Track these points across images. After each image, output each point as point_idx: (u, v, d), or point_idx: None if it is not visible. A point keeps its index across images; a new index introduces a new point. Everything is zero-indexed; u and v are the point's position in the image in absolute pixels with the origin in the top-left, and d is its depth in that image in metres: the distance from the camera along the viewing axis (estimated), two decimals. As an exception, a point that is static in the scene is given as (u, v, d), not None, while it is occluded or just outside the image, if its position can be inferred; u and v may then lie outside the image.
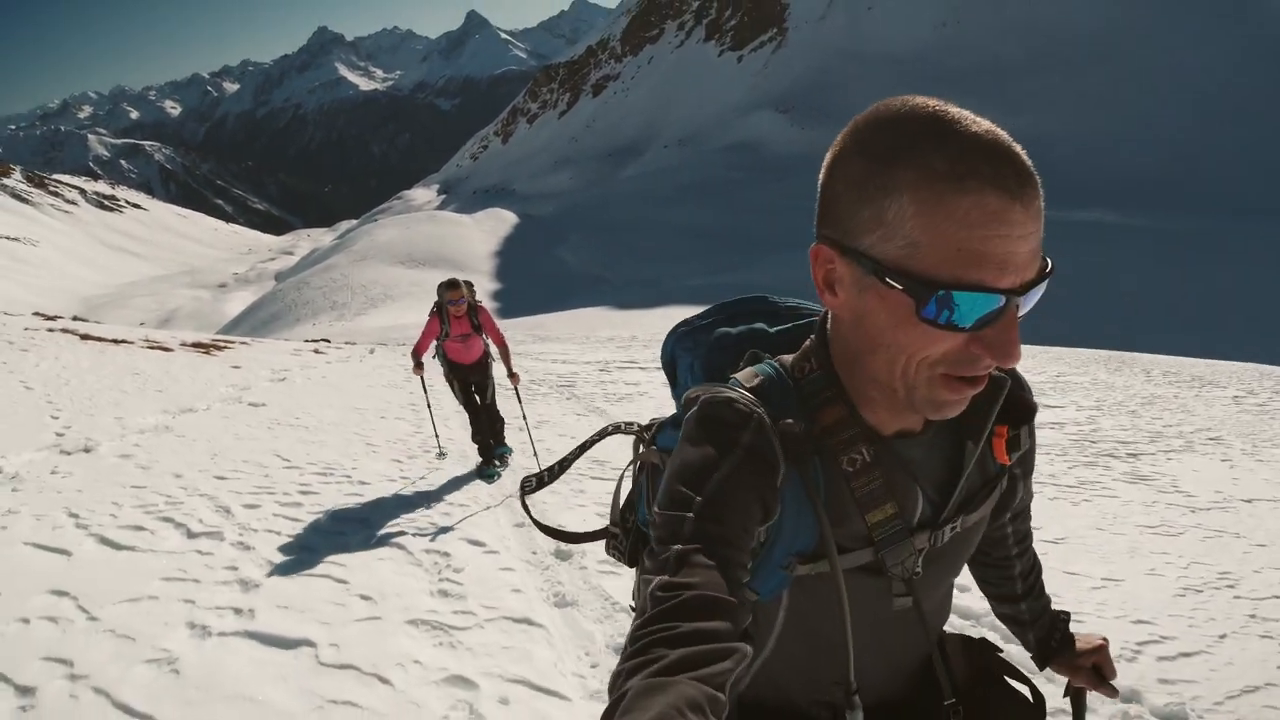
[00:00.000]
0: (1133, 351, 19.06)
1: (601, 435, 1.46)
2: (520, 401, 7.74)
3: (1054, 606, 1.43)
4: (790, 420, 0.95)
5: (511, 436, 7.48)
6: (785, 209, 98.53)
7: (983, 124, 0.83)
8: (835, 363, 1.00)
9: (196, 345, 15.80)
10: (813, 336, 1.04)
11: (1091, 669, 1.36)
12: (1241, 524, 5.89)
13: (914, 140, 0.82)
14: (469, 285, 6.86)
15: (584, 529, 1.48)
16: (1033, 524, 1.25)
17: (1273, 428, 9.45)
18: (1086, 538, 5.58)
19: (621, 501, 1.37)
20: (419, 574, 4.35)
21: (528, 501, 1.38)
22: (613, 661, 3.41)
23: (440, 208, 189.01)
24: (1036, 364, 14.95)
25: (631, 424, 1.39)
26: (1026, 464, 1.22)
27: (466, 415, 7.08)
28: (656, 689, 0.69)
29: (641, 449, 1.28)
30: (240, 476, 6.11)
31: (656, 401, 10.82)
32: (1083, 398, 11.21)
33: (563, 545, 5.59)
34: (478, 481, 6.53)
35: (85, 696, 2.93)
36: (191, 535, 4.71)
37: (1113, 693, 1.35)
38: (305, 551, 4.59)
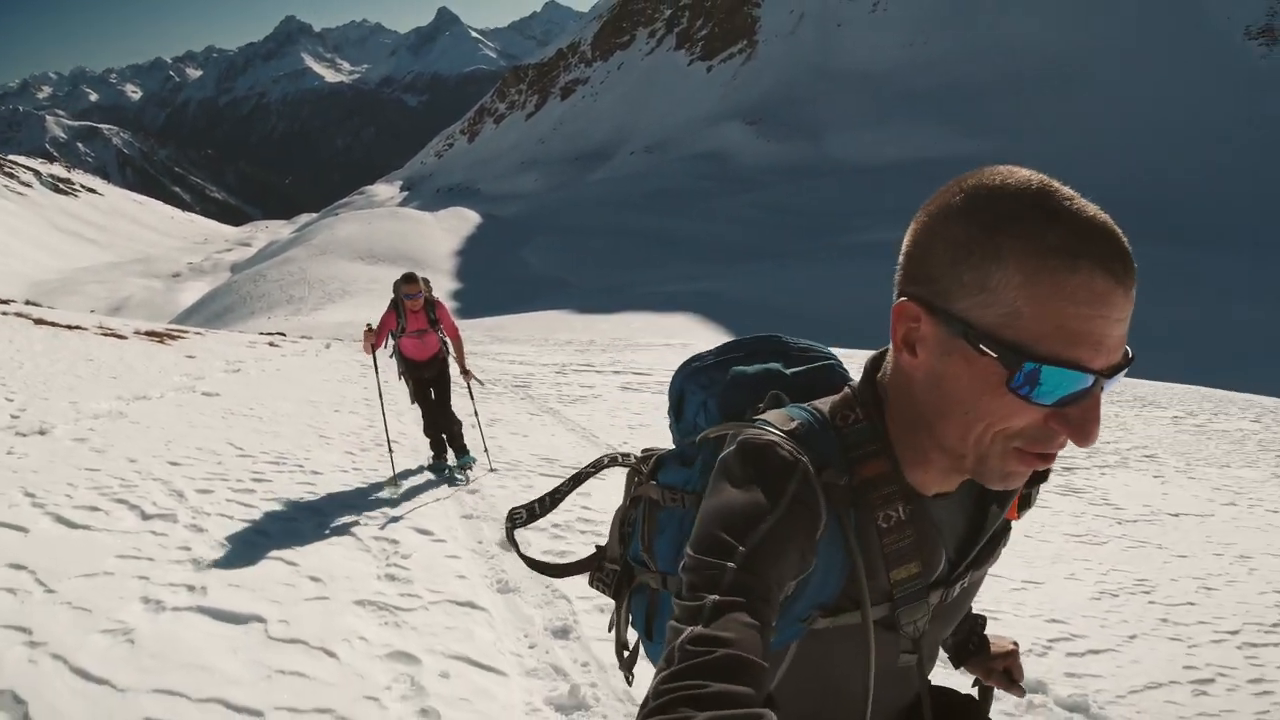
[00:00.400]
0: None
1: (597, 467, 1.42)
2: (473, 398, 7.56)
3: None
4: (833, 471, 0.95)
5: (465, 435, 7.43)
6: (750, 220, 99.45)
7: (1092, 207, 0.84)
8: (889, 418, 0.99)
9: (150, 334, 15.74)
10: (854, 385, 1.04)
11: (1003, 671, 1.38)
12: (1166, 536, 6.25)
13: (1027, 212, 0.83)
14: (426, 282, 6.80)
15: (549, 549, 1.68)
16: None
17: (1207, 448, 9.91)
18: (1014, 544, 5.89)
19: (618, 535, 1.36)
20: (367, 559, 4.54)
21: (516, 536, 1.39)
22: (550, 643, 3.62)
23: (403, 204, 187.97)
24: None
25: (628, 456, 1.37)
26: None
27: (420, 411, 7.01)
28: None
29: (638, 482, 1.28)
30: (194, 463, 6.23)
31: (610, 405, 11.05)
32: None
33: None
34: (428, 474, 6.70)
35: (44, 662, 3.08)
36: (146, 517, 4.84)
37: (1020, 693, 1.39)
38: (257, 535, 4.75)
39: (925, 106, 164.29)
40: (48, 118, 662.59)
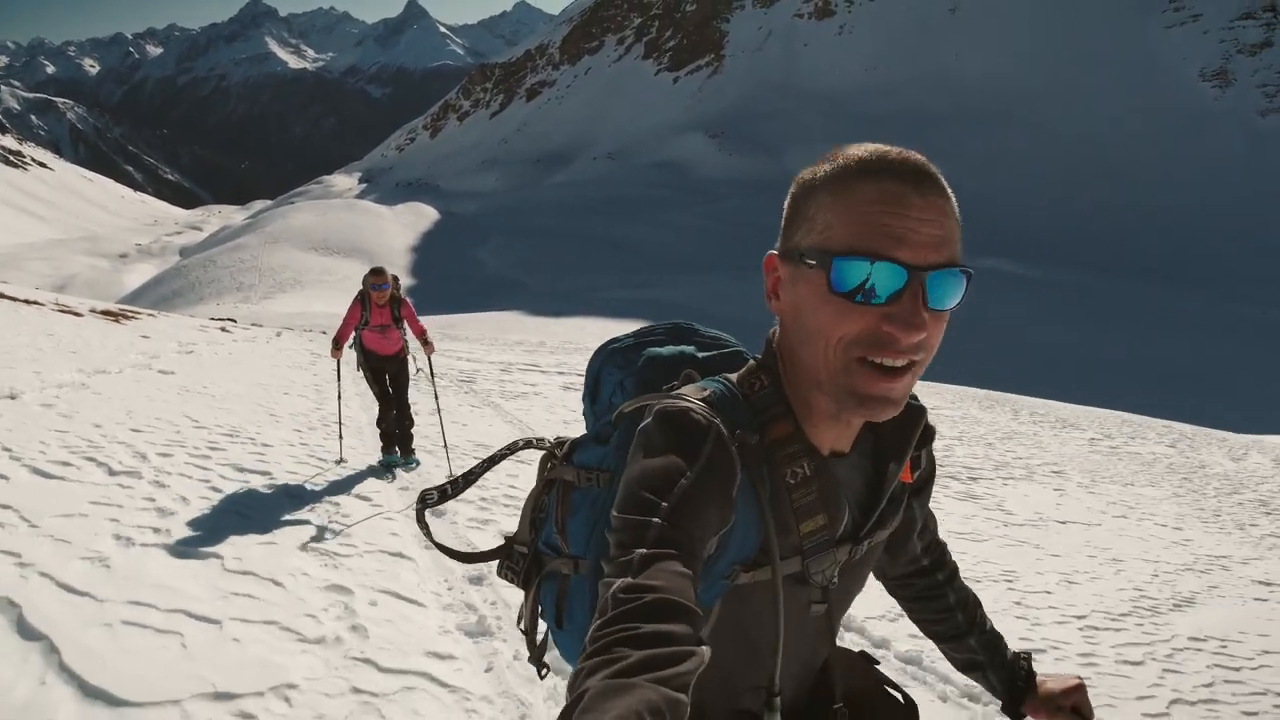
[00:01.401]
0: (1009, 392, 20.31)
1: (511, 449, 1.46)
2: (433, 379, 7.62)
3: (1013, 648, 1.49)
4: (744, 431, 1.02)
5: (421, 430, 7.64)
6: (707, 231, 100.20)
7: (898, 151, 0.96)
8: (785, 381, 1.07)
9: (106, 313, 16.05)
10: (758, 356, 1.13)
11: (1070, 710, 1.37)
12: (1047, 539, 6.87)
13: (835, 157, 0.98)
14: (395, 279, 6.86)
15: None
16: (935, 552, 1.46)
17: (1115, 467, 10.57)
18: None
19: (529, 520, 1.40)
20: (311, 516, 5.18)
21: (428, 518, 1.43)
22: (467, 586, 4.28)
23: (360, 196, 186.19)
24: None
25: (543, 440, 1.41)
26: (927, 486, 1.34)
27: (378, 404, 7.06)
28: (617, 690, 0.69)
29: (552, 466, 1.32)
30: (154, 431, 6.78)
31: (549, 401, 11.58)
32: (948, 429, 12.25)
33: (411, 468, 6.40)
34: (372, 451, 7.25)
35: (33, 579, 3.69)
36: (113, 473, 5.42)
37: None
38: (213, 492, 5.36)
39: (883, 130, 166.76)
40: (2, 88, 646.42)
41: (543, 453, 1.35)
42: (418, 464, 7.08)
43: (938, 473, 9.22)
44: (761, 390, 1.07)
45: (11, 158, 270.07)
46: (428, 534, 1.42)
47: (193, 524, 4.70)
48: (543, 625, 1.37)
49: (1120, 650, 4.58)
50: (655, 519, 0.88)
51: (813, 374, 1.00)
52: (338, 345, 6.89)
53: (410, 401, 7.18)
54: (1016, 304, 55.27)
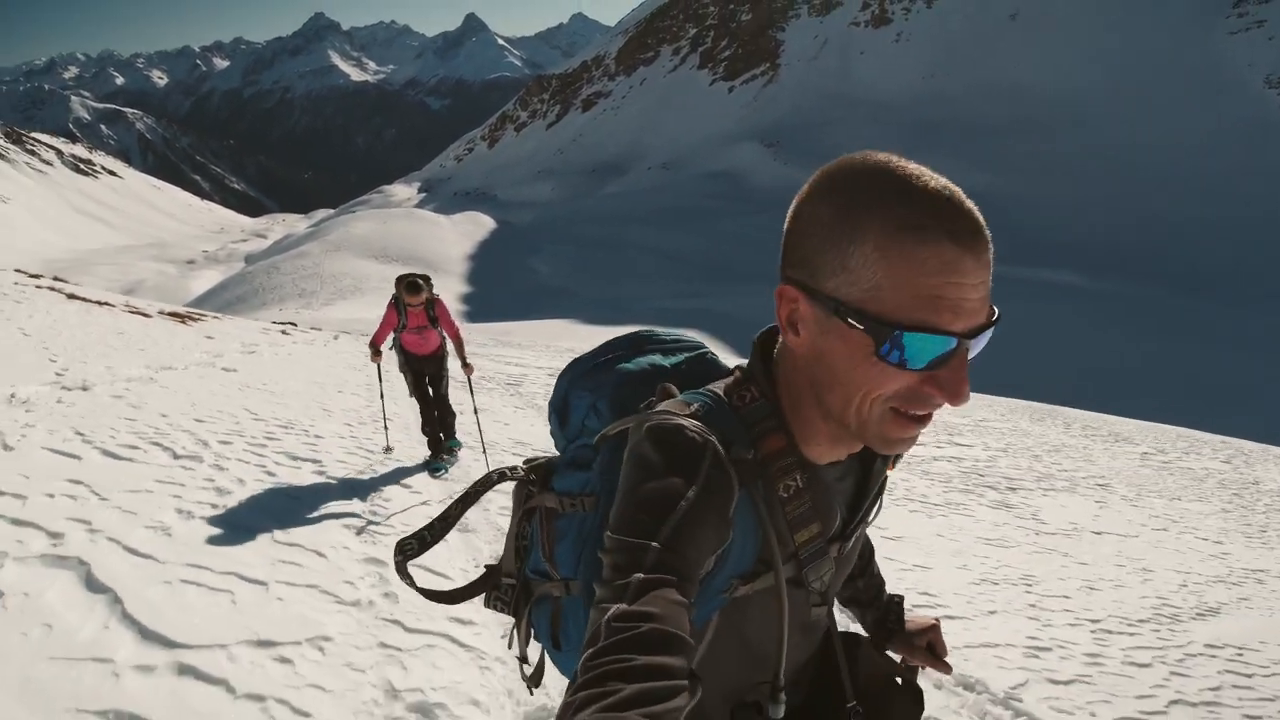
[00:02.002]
0: (1062, 405, 20.01)
1: (485, 485, 1.42)
2: (472, 393, 7.95)
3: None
4: (740, 448, 1.00)
5: (461, 427, 7.87)
6: (760, 241, 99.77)
7: (939, 180, 0.90)
8: (780, 395, 1.05)
9: (173, 315, 16.81)
10: (743, 367, 1.12)
11: (926, 647, 1.45)
12: (1076, 547, 6.86)
13: (879, 190, 0.89)
14: (427, 280, 6.92)
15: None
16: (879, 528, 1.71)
17: (1164, 482, 10.43)
18: (923, 540, 6.62)
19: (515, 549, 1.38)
20: (356, 499, 5.57)
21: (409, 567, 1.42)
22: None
23: (419, 205, 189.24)
24: (962, 409, 16.19)
25: (515, 469, 1.38)
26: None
27: (419, 406, 7.18)
28: None
29: (531, 495, 1.30)
30: (215, 421, 7.24)
31: None
32: (995, 440, 12.18)
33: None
34: (417, 444, 7.60)
35: (101, 542, 4.08)
36: (177, 457, 5.86)
37: (947, 669, 1.44)
38: (268, 476, 5.77)
39: (939, 139, 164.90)
40: (73, 98, 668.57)
41: (516, 483, 1.36)
42: (459, 444, 7.31)
43: (977, 483, 9.31)
44: (753, 403, 1.05)
45: (82, 166, 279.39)
46: (410, 583, 1.41)
47: (247, 502, 5.10)
48: (537, 648, 1.38)
49: (1129, 653, 4.62)
50: (653, 543, 0.87)
51: (835, 413, 0.98)
52: (375, 349, 7.02)
53: (452, 400, 7.31)
54: (1073, 316, 54.44)
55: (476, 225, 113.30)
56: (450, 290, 77.90)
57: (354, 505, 5.42)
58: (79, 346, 9.96)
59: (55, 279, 18.02)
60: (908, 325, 0.86)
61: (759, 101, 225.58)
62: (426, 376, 7.09)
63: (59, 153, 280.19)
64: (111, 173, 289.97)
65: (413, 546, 1.38)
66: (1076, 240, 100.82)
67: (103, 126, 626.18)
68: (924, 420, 0.94)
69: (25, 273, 18.79)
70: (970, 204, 0.90)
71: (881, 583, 1.51)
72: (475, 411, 7.76)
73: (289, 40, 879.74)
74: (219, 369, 10.50)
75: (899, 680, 1.36)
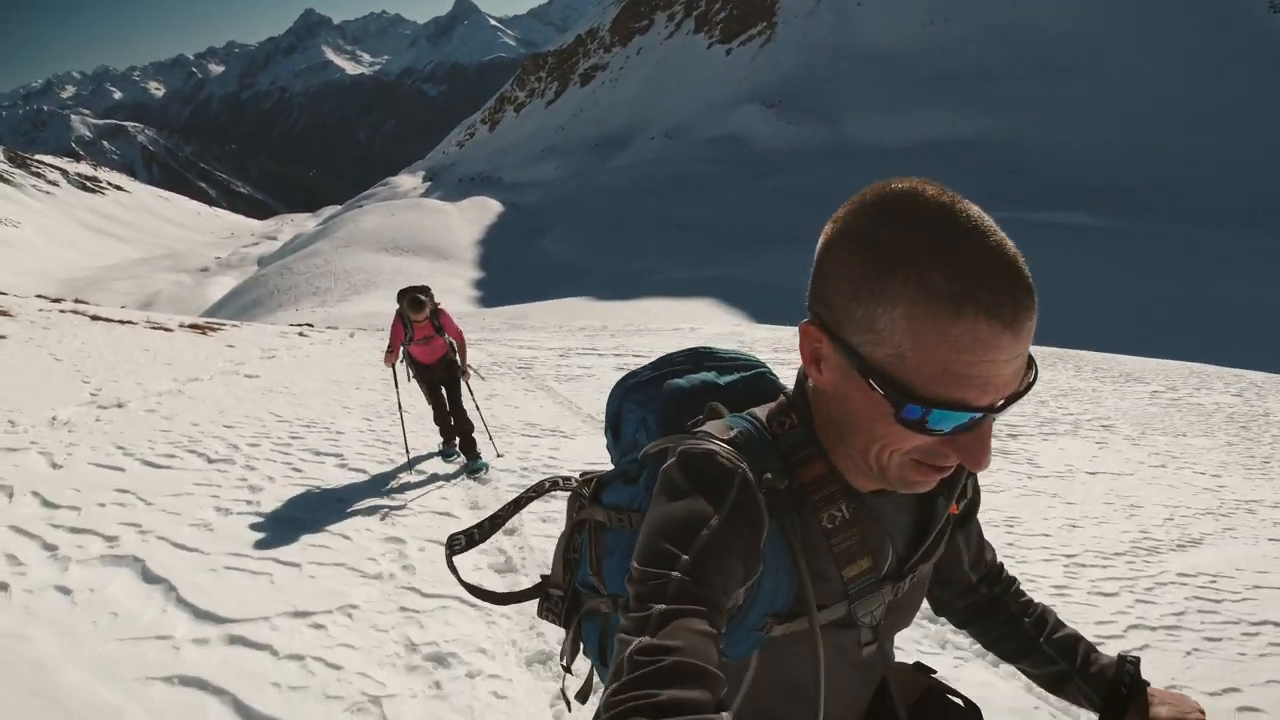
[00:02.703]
0: (1079, 349, 19.65)
1: (538, 492, 1.43)
2: (471, 392, 7.73)
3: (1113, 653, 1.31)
4: (772, 476, 0.96)
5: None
6: (769, 204, 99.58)
7: (990, 238, 0.81)
8: (816, 423, 1.01)
9: (193, 327, 17.42)
10: (789, 392, 1.08)
11: None
12: (1067, 488, 6.85)
13: (916, 250, 0.81)
14: (428, 293, 6.97)
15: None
16: (998, 558, 1.38)
17: (1171, 419, 10.35)
18: None
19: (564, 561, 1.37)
20: (376, 486, 6.10)
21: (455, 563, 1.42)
22: (502, 539, 5.08)
23: (425, 195, 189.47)
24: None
25: (569, 479, 1.38)
26: (971, 516, 1.27)
27: (433, 411, 7.23)
28: None
29: (581, 506, 1.29)
30: (243, 426, 7.79)
31: (600, 382, 12.20)
32: None
33: (480, 471, 6.97)
34: (431, 434, 8.04)
35: (152, 540, 4.63)
36: (211, 461, 6.40)
37: None
38: (295, 472, 6.30)
39: (944, 88, 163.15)
40: (73, 117, 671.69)
41: (569, 493, 1.35)
42: (486, 467, 6.90)
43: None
44: (791, 430, 1.02)
45: (89, 183, 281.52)
46: (458, 577, 1.43)
47: (278, 497, 5.63)
48: (585, 661, 1.38)
49: (1098, 584, 4.70)
50: (675, 572, 0.85)
51: (856, 453, 0.96)
52: (390, 362, 7.02)
53: (465, 408, 7.22)
54: (1087, 257, 53.87)
55: (484, 210, 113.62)
56: (463, 277, 78.47)
57: (374, 492, 5.94)
58: (109, 366, 10.53)
59: (77, 301, 18.66)
60: (931, 400, 0.83)
61: (758, 62, 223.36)
62: (439, 382, 7.18)
63: (64, 172, 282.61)
64: (118, 188, 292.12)
65: (461, 543, 1.41)
66: (1089, 181, 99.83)
67: (105, 142, 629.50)
68: (946, 470, 0.92)
69: (46, 298, 19.44)
70: (1020, 268, 0.82)
71: (1079, 638, 1.30)
72: (476, 407, 7.70)
73: (282, 39, 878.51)
74: (242, 376, 11.06)
75: (952, 696, 1.31)
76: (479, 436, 7.31)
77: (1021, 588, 1.36)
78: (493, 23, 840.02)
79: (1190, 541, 5.60)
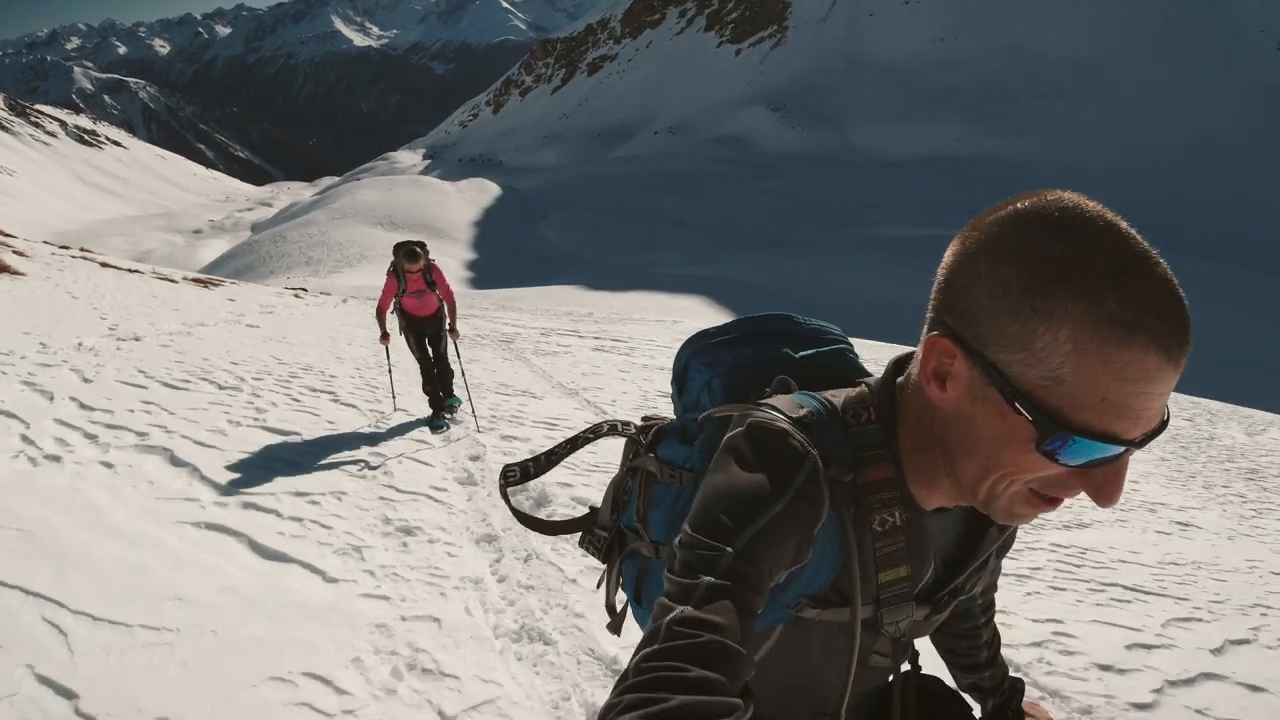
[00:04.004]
0: None
1: (596, 434, 1.43)
2: (458, 354, 8.16)
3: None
4: (838, 468, 0.94)
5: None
6: (769, 207, 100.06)
7: (1160, 267, 0.77)
8: (901, 429, 0.97)
9: (196, 280, 18.34)
10: (872, 383, 1.03)
11: None
12: None
13: (1090, 269, 0.76)
14: (424, 247, 7.28)
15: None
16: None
17: None
18: None
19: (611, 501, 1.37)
20: (364, 415, 7.11)
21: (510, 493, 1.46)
22: (468, 462, 6.04)
23: (425, 172, 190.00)
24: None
25: (628, 425, 1.38)
26: (1007, 543, 1.21)
27: (419, 367, 7.52)
28: None
29: (636, 453, 1.30)
30: (248, 364, 8.74)
31: (575, 359, 12.97)
32: None
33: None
34: (416, 385, 8.94)
35: (176, 438, 5.60)
36: (221, 387, 7.38)
37: None
38: (294, 401, 7.29)
39: (951, 103, 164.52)
40: (75, 69, 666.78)
41: (627, 438, 1.36)
42: (458, 402, 7.67)
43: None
44: (867, 424, 0.98)
45: (87, 137, 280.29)
46: (511, 506, 1.47)
47: (281, 418, 6.62)
48: (622, 596, 1.39)
49: None
50: (729, 548, 0.83)
51: (963, 479, 0.91)
52: (381, 313, 7.38)
53: (448, 358, 7.70)
54: None
55: (482, 192, 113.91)
56: (457, 258, 78.88)
57: (362, 421, 6.93)
58: (122, 307, 11.46)
59: (82, 249, 19.48)
60: (1084, 430, 0.77)
61: (766, 65, 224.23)
62: (426, 337, 7.45)
63: (63, 124, 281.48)
64: (116, 143, 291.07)
65: (515, 474, 1.43)
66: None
67: (106, 97, 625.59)
68: (1059, 504, 0.87)
69: (52, 244, 20.27)
70: (1184, 301, 0.77)
71: (1005, 671, 1.43)
72: (463, 374, 8.00)
73: (291, 6, 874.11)
74: (244, 325, 12.00)
75: (949, 700, 1.34)
76: (466, 414, 7.62)
77: (992, 614, 1.42)
78: (505, 5, 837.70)
79: (1078, 524, 6.04)
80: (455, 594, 3.77)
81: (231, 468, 5.12)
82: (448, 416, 7.38)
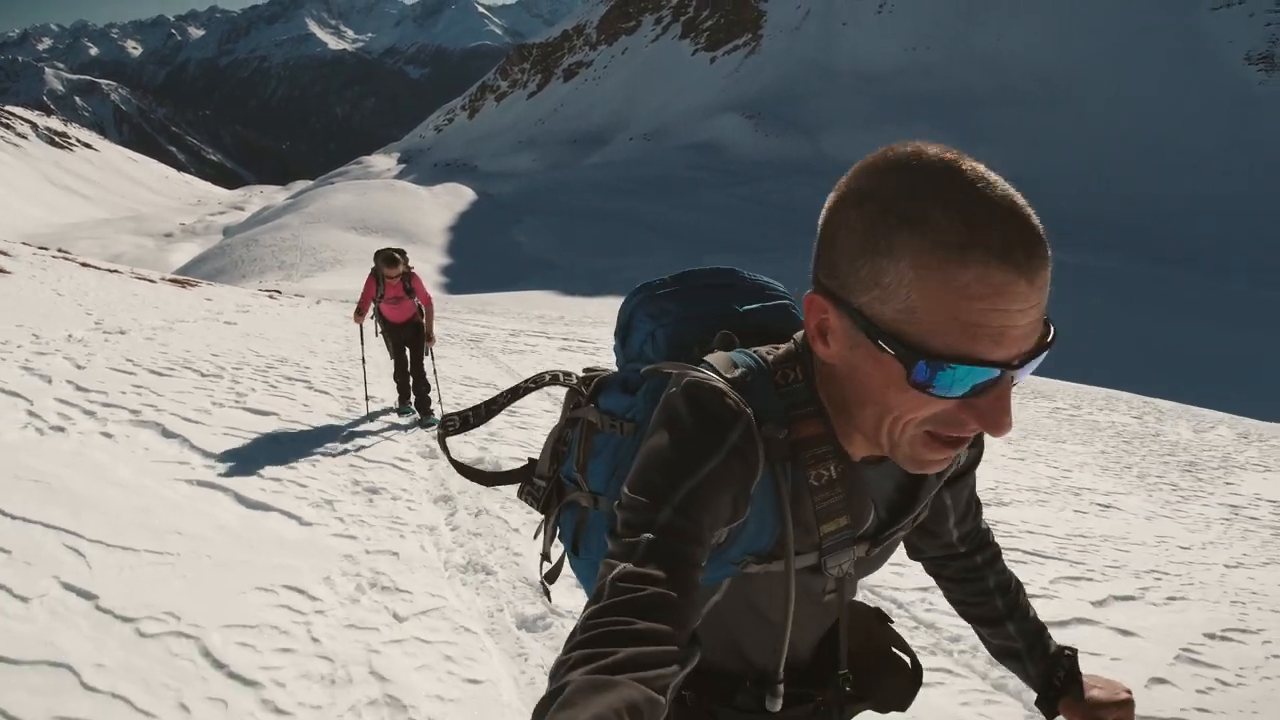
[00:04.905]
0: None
1: (537, 383, 1.41)
2: (432, 357, 8.09)
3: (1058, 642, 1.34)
4: (773, 425, 0.94)
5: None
6: (741, 213, 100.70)
7: (996, 186, 0.78)
8: (819, 386, 0.98)
9: (174, 281, 18.85)
10: (796, 341, 1.03)
11: None
12: None
13: (921, 198, 0.78)
14: (403, 254, 7.52)
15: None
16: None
17: (1059, 429, 10.99)
18: None
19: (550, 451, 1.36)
20: (335, 399, 7.78)
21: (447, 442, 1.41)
22: (430, 440, 6.71)
23: (399, 177, 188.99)
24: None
25: (570, 375, 1.36)
26: (966, 474, 1.24)
27: (394, 364, 7.72)
28: (599, 687, 0.68)
29: (577, 404, 1.29)
30: (227, 355, 9.37)
31: (541, 357, 13.60)
32: None
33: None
34: (388, 374, 9.51)
35: (166, 415, 6.27)
36: (204, 375, 8.03)
37: None
38: (271, 387, 7.96)
39: (922, 111, 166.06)
40: (47, 70, 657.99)
41: (568, 389, 1.35)
42: (435, 422, 7.36)
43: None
44: (795, 383, 0.99)
45: (57, 139, 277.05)
46: (449, 456, 1.49)
47: (259, 401, 7.30)
48: (559, 548, 1.39)
49: None
50: (666, 504, 0.85)
51: (864, 429, 0.93)
52: (360, 314, 7.68)
53: (425, 370, 7.74)
54: (1054, 289, 55.14)
55: (457, 197, 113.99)
56: (431, 262, 79.03)
57: (335, 405, 7.61)
58: (105, 304, 12.02)
59: (60, 250, 19.92)
60: (943, 355, 0.78)
61: (741, 72, 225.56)
62: (404, 341, 7.64)
63: (34, 126, 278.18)
64: (87, 145, 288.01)
65: (454, 424, 1.43)
66: (1058, 213, 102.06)
67: (77, 98, 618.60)
68: (960, 443, 0.88)
69: (30, 245, 20.68)
70: (1030, 215, 0.78)
71: (1041, 628, 1.34)
72: (434, 372, 8.19)
73: (265, 8, 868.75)
74: (222, 322, 12.58)
75: (903, 656, 1.33)
76: (433, 402, 7.87)
77: (1003, 561, 1.39)
78: (480, 10, 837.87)
79: (999, 503, 6.46)
80: (413, 536, 4.48)
81: (216, 439, 5.80)
82: (417, 415, 7.53)
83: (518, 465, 1.46)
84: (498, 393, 1.46)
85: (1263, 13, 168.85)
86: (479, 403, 1.43)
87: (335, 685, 2.99)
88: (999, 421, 0.82)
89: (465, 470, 1.46)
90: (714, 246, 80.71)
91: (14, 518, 3.96)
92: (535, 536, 1.39)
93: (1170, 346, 42.89)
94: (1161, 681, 3.82)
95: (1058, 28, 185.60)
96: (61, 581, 3.45)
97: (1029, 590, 4.19)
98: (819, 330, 0.90)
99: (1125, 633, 4.22)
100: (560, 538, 1.35)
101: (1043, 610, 3.91)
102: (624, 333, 1.27)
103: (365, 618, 3.51)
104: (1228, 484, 8.47)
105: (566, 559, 1.36)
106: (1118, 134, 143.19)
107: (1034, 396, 14.13)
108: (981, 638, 1.37)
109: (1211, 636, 4.31)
